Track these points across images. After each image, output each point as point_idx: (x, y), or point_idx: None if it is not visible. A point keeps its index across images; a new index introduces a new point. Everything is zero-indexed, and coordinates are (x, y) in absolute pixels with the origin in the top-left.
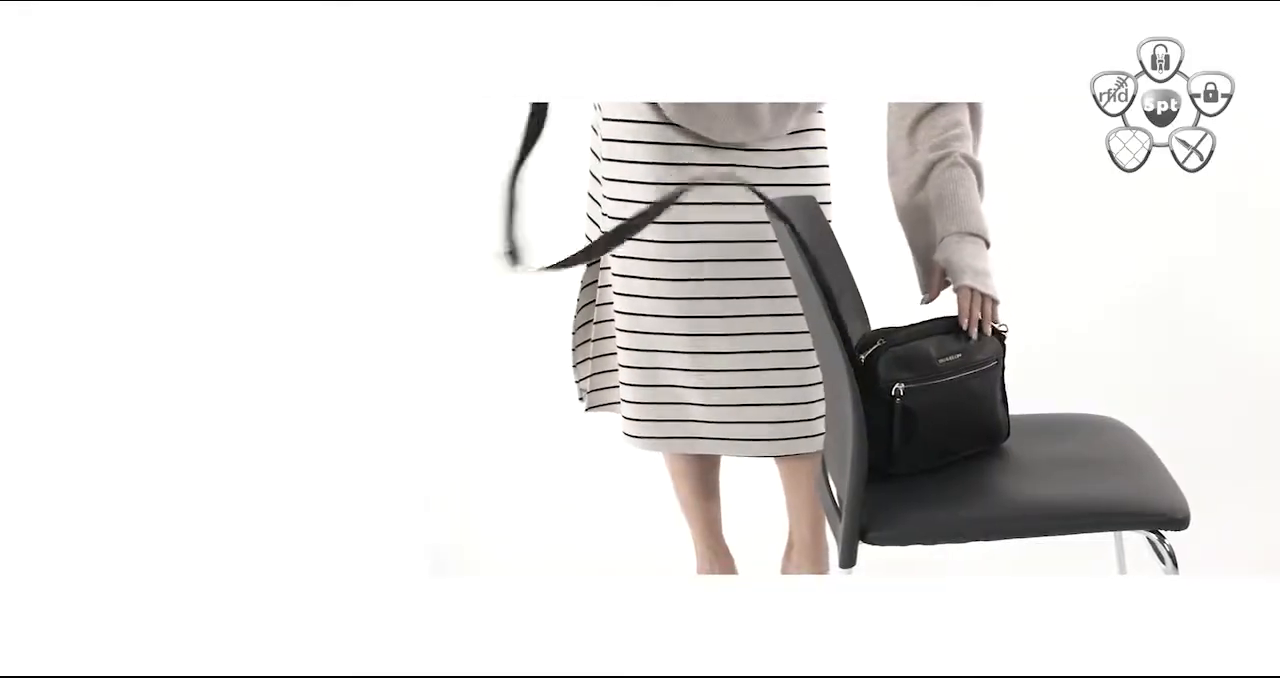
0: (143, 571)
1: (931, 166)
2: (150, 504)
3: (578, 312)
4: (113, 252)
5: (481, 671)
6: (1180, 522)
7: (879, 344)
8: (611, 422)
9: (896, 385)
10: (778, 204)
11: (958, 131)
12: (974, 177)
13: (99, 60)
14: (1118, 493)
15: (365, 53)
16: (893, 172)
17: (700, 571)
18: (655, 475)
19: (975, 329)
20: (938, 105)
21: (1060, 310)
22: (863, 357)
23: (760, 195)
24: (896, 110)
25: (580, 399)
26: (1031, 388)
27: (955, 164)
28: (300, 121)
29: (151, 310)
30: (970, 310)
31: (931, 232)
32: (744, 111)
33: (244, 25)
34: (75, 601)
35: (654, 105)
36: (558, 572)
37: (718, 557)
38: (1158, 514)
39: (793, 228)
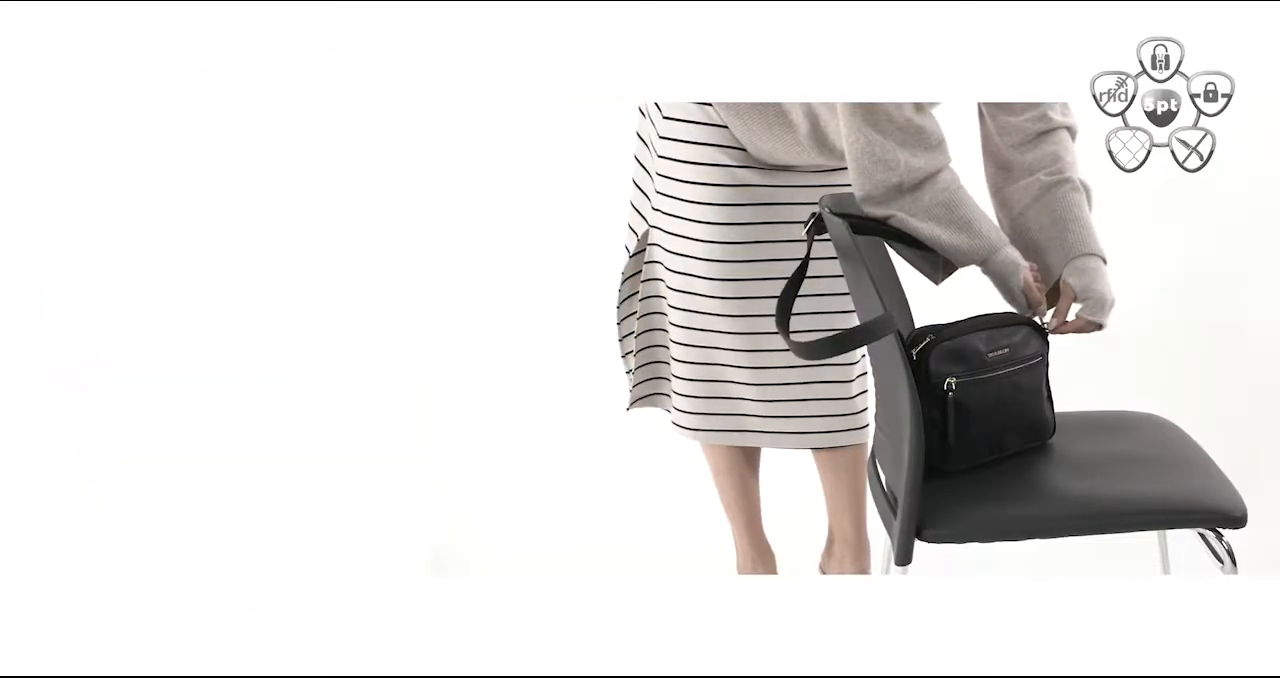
0: (142, 569)
1: (1050, 188)
2: (151, 502)
3: (621, 303)
4: (115, 255)
5: (481, 671)
6: (1238, 519)
7: (929, 339)
8: (620, 419)
9: (948, 380)
10: (832, 202)
11: (1070, 158)
12: (1087, 201)
13: (101, 61)
14: (1176, 490)
15: (365, 53)
16: (996, 190)
17: (742, 568)
18: (660, 476)
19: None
20: (1046, 131)
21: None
22: (914, 352)
23: (844, 220)
24: (998, 136)
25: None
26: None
27: (1075, 188)
28: (302, 122)
29: (157, 314)
30: (1073, 329)
31: (1053, 252)
32: (786, 142)
33: (245, 25)
34: (74, 600)
35: (713, 110)
36: (560, 572)
37: (761, 555)
38: (1216, 512)
39: (850, 226)
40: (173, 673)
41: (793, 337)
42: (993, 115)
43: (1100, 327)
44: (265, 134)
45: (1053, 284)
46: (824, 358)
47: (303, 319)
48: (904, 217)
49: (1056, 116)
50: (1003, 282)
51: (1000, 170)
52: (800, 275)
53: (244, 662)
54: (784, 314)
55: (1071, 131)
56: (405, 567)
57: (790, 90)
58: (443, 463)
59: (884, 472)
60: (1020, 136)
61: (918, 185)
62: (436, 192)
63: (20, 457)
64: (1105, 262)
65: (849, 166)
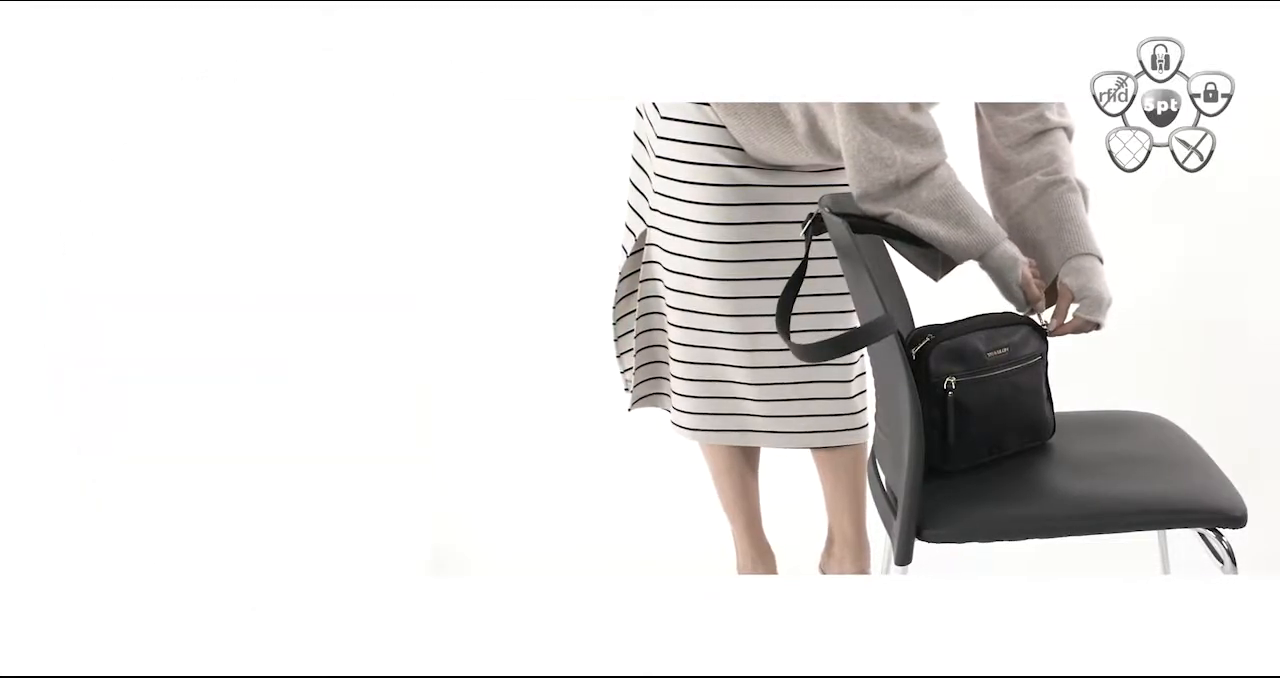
0: (144, 570)
1: (1046, 188)
2: (153, 503)
3: (618, 302)
4: (115, 255)
5: (481, 671)
6: (1238, 519)
7: (929, 339)
8: (620, 419)
9: (948, 379)
10: (831, 202)
11: (1066, 158)
12: (1083, 201)
13: (101, 61)
14: (1176, 490)
15: (366, 53)
16: (993, 190)
17: (742, 568)
18: (660, 476)
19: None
20: (1043, 131)
21: None
22: (913, 352)
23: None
24: (995, 136)
25: (626, 390)
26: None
27: (1071, 188)
28: (302, 122)
29: (158, 314)
30: (1072, 329)
31: (1051, 252)
32: (785, 142)
33: (245, 25)
34: (75, 599)
35: (711, 110)
36: (560, 572)
37: (761, 555)
38: (1216, 512)
39: (850, 225)
40: (173, 673)
41: (792, 338)
42: (990, 115)
43: (1098, 326)
44: (265, 134)
45: (1050, 283)
46: (824, 360)
47: (302, 319)
48: (901, 213)
49: (1053, 117)
50: (1000, 276)
51: (997, 171)
52: (800, 276)
53: (244, 662)
54: (784, 316)
55: (1068, 132)
56: (405, 567)
57: (790, 90)
58: (443, 463)
59: (884, 472)
60: (1017, 136)
61: (914, 182)
62: (436, 192)
63: (20, 457)
64: (1102, 261)
65: (846, 164)
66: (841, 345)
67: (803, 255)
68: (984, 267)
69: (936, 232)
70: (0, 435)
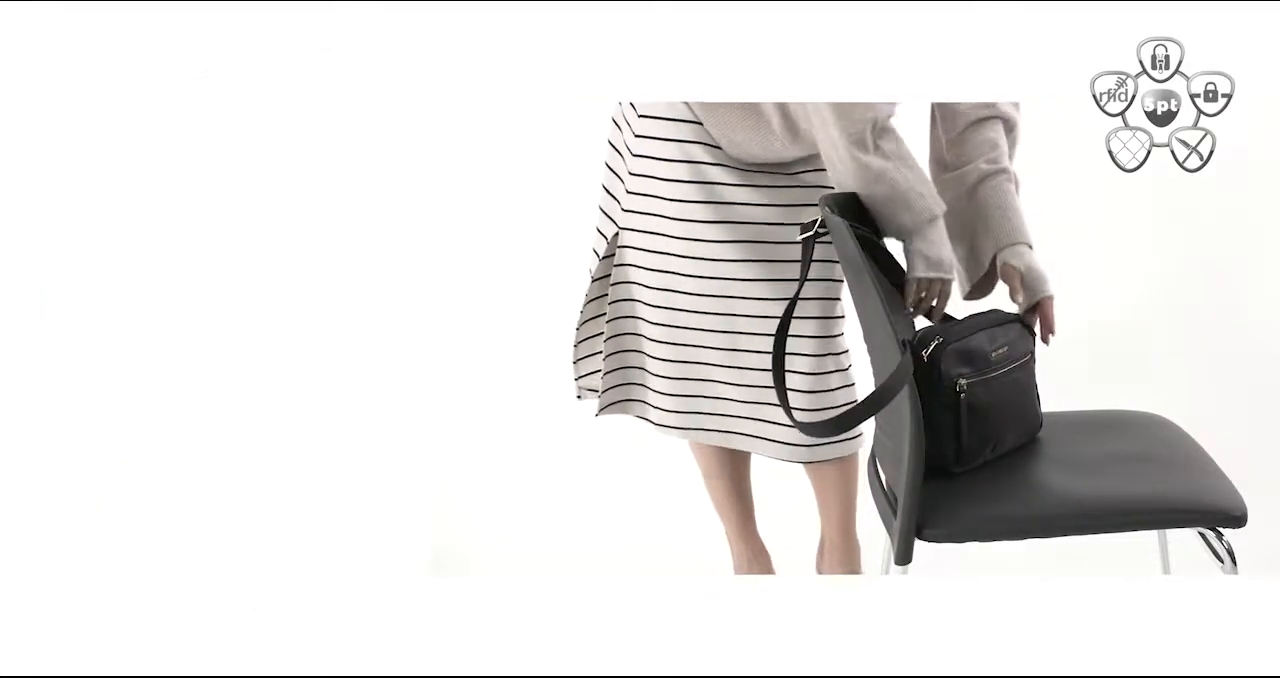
0: (144, 570)
1: (986, 177)
2: (153, 504)
3: (586, 305)
4: (115, 255)
5: (481, 671)
6: (1238, 519)
7: (939, 341)
8: (620, 420)
9: (960, 381)
10: (834, 201)
11: (1005, 147)
12: (1016, 190)
13: (100, 61)
14: (1176, 489)
15: (366, 53)
16: (936, 176)
17: (738, 569)
18: (657, 477)
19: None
20: (987, 118)
21: (1063, 310)
22: (925, 353)
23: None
24: (942, 122)
25: (579, 397)
26: (1046, 388)
27: (1009, 178)
28: (302, 122)
29: (157, 314)
30: (1051, 316)
31: (989, 236)
32: (761, 133)
33: (245, 25)
34: (75, 599)
35: (688, 107)
36: (560, 572)
37: (756, 555)
38: (1216, 511)
39: (851, 225)
40: (173, 673)
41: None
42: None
43: (1051, 299)
44: (265, 134)
45: (988, 264)
46: (836, 435)
47: (302, 319)
48: (893, 166)
49: (1002, 105)
50: (942, 237)
51: (939, 161)
52: (789, 315)
53: (244, 662)
54: (779, 368)
55: (1007, 123)
56: (405, 567)
57: (792, 92)
58: (443, 463)
59: (884, 472)
60: (964, 121)
61: (885, 126)
62: (438, 192)
63: (20, 457)
64: (1031, 249)
65: (831, 114)
66: (855, 416)
67: (795, 258)
68: (933, 228)
69: (913, 185)
70: (0, 436)
